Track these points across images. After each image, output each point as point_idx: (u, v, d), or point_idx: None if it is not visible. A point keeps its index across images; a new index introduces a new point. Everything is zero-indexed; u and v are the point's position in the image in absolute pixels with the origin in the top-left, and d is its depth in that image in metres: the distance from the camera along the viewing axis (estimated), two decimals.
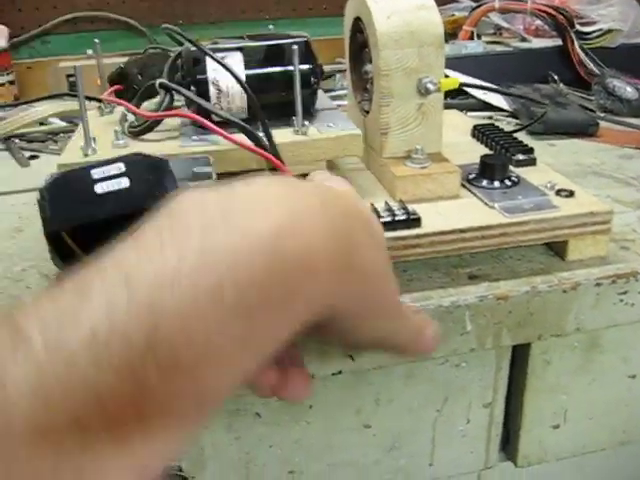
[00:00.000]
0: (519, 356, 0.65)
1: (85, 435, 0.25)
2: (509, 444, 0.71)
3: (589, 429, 0.71)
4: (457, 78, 0.63)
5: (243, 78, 0.63)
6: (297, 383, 0.38)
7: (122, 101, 0.68)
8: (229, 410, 0.60)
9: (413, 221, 0.56)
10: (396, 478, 0.68)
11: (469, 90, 1.05)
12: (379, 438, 0.65)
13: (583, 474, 0.75)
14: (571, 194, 0.62)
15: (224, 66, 0.61)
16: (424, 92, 0.63)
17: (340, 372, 0.56)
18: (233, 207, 0.30)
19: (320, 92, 0.76)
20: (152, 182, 0.44)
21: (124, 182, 0.44)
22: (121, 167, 0.44)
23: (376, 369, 0.58)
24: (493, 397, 0.66)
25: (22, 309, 0.27)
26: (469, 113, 1.03)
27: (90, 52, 1.26)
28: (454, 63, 1.11)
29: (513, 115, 1.03)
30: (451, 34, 1.28)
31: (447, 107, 0.97)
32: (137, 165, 0.45)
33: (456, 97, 1.08)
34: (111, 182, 0.43)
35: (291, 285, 0.29)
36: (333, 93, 1.02)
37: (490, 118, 1.03)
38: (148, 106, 0.70)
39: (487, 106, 1.06)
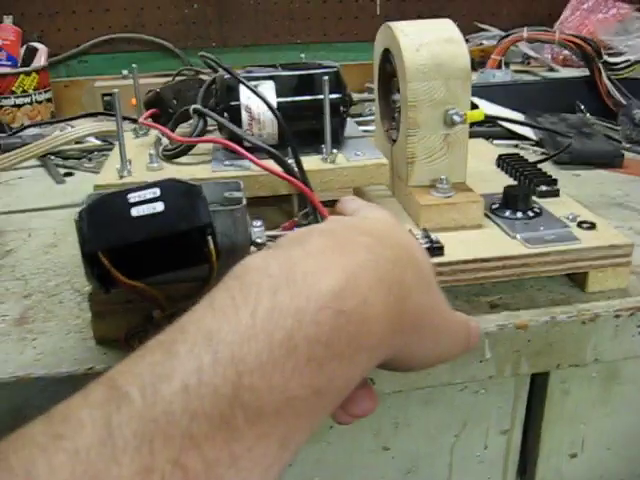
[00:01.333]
0: (538, 385, 0.66)
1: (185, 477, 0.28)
2: (526, 472, 0.72)
3: (607, 459, 0.71)
4: (482, 111, 0.64)
5: (275, 106, 0.65)
6: (365, 397, 0.40)
7: (158, 125, 0.71)
8: None
9: (436, 249, 0.58)
10: None
11: (499, 121, 1.07)
12: (397, 461, 0.66)
13: None
14: (593, 226, 0.63)
15: (256, 93, 0.63)
16: (450, 123, 0.65)
17: None
18: (295, 270, 0.33)
19: (348, 119, 0.78)
20: (186, 207, 0.46)
21: (159, 206, 0.45)
22: (156, 192, 0.46)
23: (395, 393, 0.60)
24: (511, 424, 0.67)
25: (117, 368, 0.30)
26: (495, 141, 1.05)
27: (125, 72, 1.30)
28: (482, 91, 1.13)
29: (539, 144, 1.05)
30: (480, 62, 1.30)
31: (473, 135, 0.99)
32: (171, 190, 0.47)
33: (482, 125, 1.09)
34: (147, 206, 0.45)
35: (354, 339, 0.32)
36: (361, 119, 1.03)
37: (516, 147, 1.04)
38: (182, 130, 0.73)
39: (513, 134, 1.08)
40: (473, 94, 1.12)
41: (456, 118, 0.64)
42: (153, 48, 1.45)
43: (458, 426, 0.66)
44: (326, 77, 0.62)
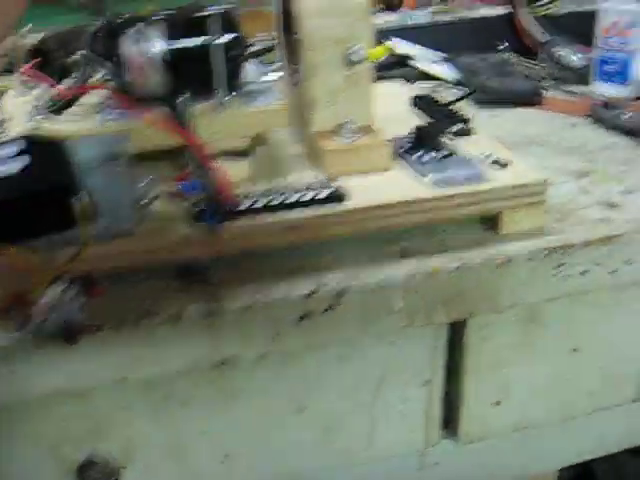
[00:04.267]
0: (457, 333, 0.64)
1: None
2: (451, 422, 0.69)
3: (531, 404, 0.70)
4: (386, 46, 0.60)
5: (163, 51, 0.60)
6: None
7: (41, 75, 0.65)
8: (155, 399, 0.58)
9: (337, 197, 0.54)
10: (334, 460, 0.66)
11: (414, 62, 1.03)
12: (315, 420, 0.63)
13: (526, 450, 0.74)
14: (505, 164, 0.61)
15: (138, 39, 0.58)
16: (352, 62, 0.61)
17: (266, 355, 0.54)
18: None
19: (252, 64, 0.74)
20: (45, 166, 0.42)
21: (15, 166, 0.41)
22: (13, 150, 0.42)
23: (304, 350, 0.56)
24: (431, 375, 0.64)
25: None
26: (416, 83, 1.01)
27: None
28: (400, 33, 1.09)
29: (459, 85, 1.01)
30: (397, 4, 1.25)
31: (390, 77, 0.95)
32: (30, 148, 0.42)
33: (402, 67, 1.06)
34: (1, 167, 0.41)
35: None
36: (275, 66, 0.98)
37: (436, 89, 1.01)
38: (68, 83, 0.67)
39: (433, 77, 1.04)
40: (391, 36, 1.09)
41: (357, 56, 0.60)
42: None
43: (375, 380, 0.63)
44: (214, 18, 0.58)
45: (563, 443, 0.76)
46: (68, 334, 0.48)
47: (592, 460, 0.82)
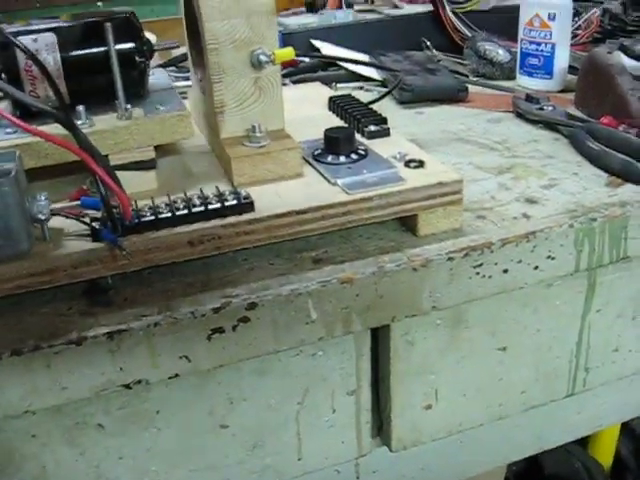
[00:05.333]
0: (381, 339, 0.62)
1: None
2: (382, 429, 0.68)
3: (463, 406, 0.68)
4: (291, 49, 0.58)
5: (57, 62, 0.57)
6: None
7: None
8: (67, 425, 0.55)
9: (245, 205, 0.52)
10: (264, 476, 0.64)
11: (339, 61, 1.02)
12: (239, 438, 0.61)
13: (464, 451, 0.73)
14: (421, 164, 0.59)
15: (25, 51, 0.55)
16: (258, 65, 0.59)
17: (177, 375, 0.52)
18: None
19: (160, 71, 0.71)
20: None
21: None
22: None
23: (219, 367, 0.54)
24: (357, 384, 0.63)
25: None
26: (339, 85, 0.99)
27: None
28: (323, 33, 1.08)
29: (384, 84, 1.00)
30: (322, 4, 1.24)
31: (315, 80, 0.94)
32: None
33: (326, 69, 1.04)
34: None
35: None
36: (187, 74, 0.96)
37: (361, 89, 1.00)
38: None
39: (358, 77, 1.03)
40: (314, 37, 1.08)
41: (263, 58, 0.58)
42: None
43: (300, 393, 0.61)
44: (109, 24, 0.55)
45: (500, 442, 0.75)
46: None
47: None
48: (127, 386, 0.51)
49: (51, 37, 0.58)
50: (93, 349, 0.48)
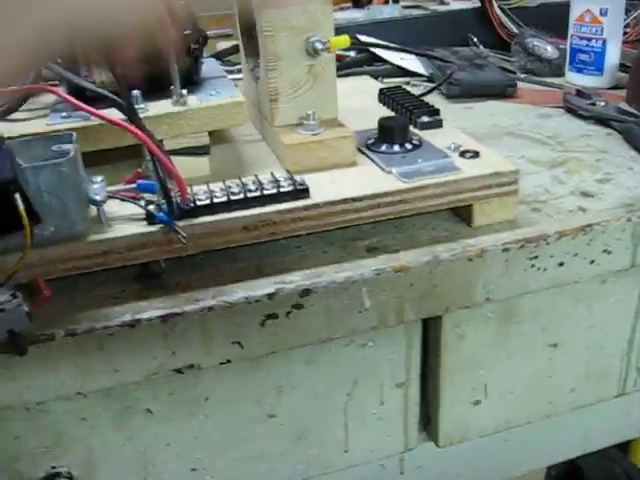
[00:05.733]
0: (432, 331, 0.61)
1: None
2: (430, 424, 0.67)
3: (512, 403, 0.67)
4: (347, 36, 0.57)
5: None
6: None
7: None
8: (116, 409, 0.55)
9: (300, 192, 0.52)
10: (309, 468, 0.63)
11: (384, 56, 1.01)
12: (286, 427, 0.60)
13: (509, 450, 0.72)
14: (476, 155, 0.58)
15: None
16: (313, 52, 0.58)
17: (229, 361, 0.51)
18: None
19: (211, 61, 0.72)
20: None
21: None
22: None
23: (270, 355, 0.54)
24: (406, 376, 0.62)
25: None
26: (385, 80, 0.99)
27: None
28: (369, 29, 1.07)
29: (431, 80, 0.99)
30: (368, 0, 1.23)
31: (361, 74, 0.93)
32: None
33: (372, 64, 1.03)
34: None
35: None
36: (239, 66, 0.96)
37: (407, 84, 0.99)
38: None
39: (405, 73, 1.02)
40: (360, 32, 1.07)
41: (319, 45, 0.58)
42: None
43: (348, 384, 0.60)
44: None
45: (546, 442, 0.74)
46: (15, 344, 0.45)
47: (579, 456, 0.80)
48: (178, 371, 0.51)
49: None
50: (146, 332, 0.48)
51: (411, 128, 0.64)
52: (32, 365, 0.47)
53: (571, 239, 0.56)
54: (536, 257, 0.56)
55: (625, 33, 1.10)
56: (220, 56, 1.01)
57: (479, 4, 1.15)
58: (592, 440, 0.77)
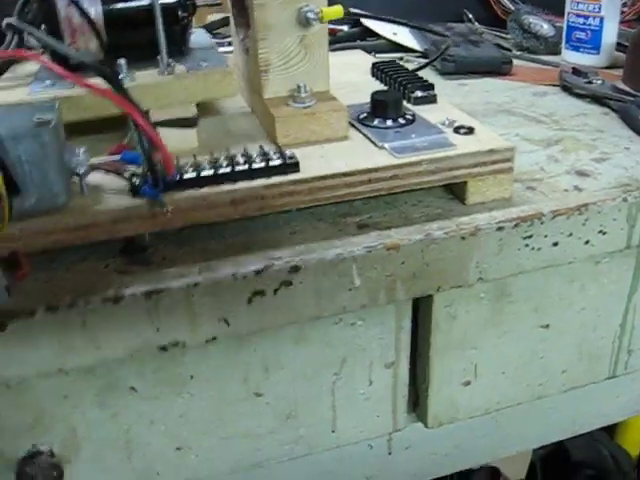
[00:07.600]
0: (422, 311, 0.60)
1: None
2: (419, 405, 0.66)
3: (502, 384, 0.66)
4: (340, 7, 0.56)
5: (99, 14, 0.55)
6: None
7: None
8: (99, 385, 0.53)
9: (290, 166, 0.50)
10: (297, 448, 0.62)
11: (377, 30, 0.99)
12: (273, 407, 0.59)
13: (499, 431, 0.71)
14: (470, 131, 0.57)
15: (74, 1, 0.54)
16: (305, 23, 0.56)
17: (215, 338, 0.50)
18: None
19: (200, 31, 0.70)
20: None
21: None
22: None
23: (257, 333, 0.52)
24: (396, 356, 0.61)
25: None
26: (378, 55, 0.97)
27: None
28: (362, 2, 1.05)
29: (425, 56, 0.97)
30: None
31: (354, 49, 0.91)
32: None
33: (366, 39, 1.02)
34: None
35: None
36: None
37: (401, 59, 0.97)
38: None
39: (398, 48, 1.00)
40: (353, 5, 1.05)
41: (311, 16, 0.56)
42: None
43: (337, 363, 0.59)
44: None
45: (536, 423, 0.73)
46: None
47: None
48: (163, 348, 0.49)
49: None
50: (130, 308, 0.47)
51: (405, 103, 0.62)
52: (12, 341, 0.46)
53: (566, 219, 0.55)
54: (530, 236, 0.55)
55: (622, 12, 1.09)
56: (210, 28, 0.98)
57: None
58: (581, 422, 0.77)
